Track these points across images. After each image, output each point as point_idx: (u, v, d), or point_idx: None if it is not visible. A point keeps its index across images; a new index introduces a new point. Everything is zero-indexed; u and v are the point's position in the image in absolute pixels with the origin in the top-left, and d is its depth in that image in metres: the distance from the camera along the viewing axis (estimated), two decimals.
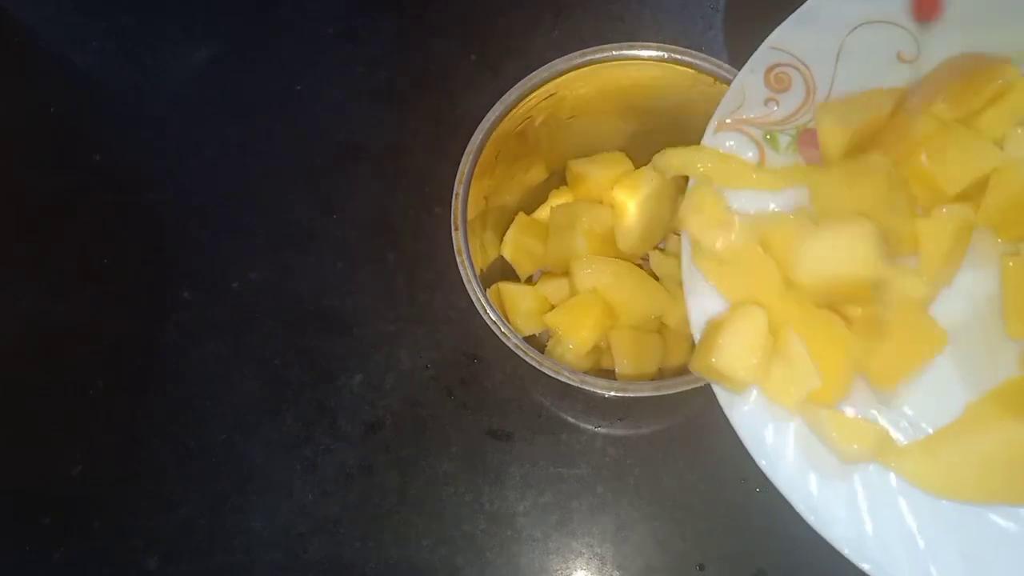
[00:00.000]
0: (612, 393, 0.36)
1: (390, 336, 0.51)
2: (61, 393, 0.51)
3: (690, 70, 0.40)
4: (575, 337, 0.43)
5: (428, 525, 0.47)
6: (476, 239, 0.42)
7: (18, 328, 0.54)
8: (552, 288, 0.46)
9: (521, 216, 0.48)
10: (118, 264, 0.55)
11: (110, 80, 0.60)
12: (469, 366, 0.50)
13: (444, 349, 0.50)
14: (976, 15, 0.32)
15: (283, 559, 0.47)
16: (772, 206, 0.34)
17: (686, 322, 0.34)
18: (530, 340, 0.41)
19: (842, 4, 0.34)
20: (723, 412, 0.33)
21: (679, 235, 0.40)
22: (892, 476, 0.31)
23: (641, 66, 0.41)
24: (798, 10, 0.34)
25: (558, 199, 0.49)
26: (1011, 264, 0.31)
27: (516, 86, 0.40)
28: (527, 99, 0.41)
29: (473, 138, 0.40)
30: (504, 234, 0.48)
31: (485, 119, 0.40)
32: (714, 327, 0.33)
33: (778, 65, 0.35)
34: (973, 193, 0.31)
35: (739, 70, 0.37)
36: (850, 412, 0.32)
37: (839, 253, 0.32)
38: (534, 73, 0.40)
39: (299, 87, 0.58)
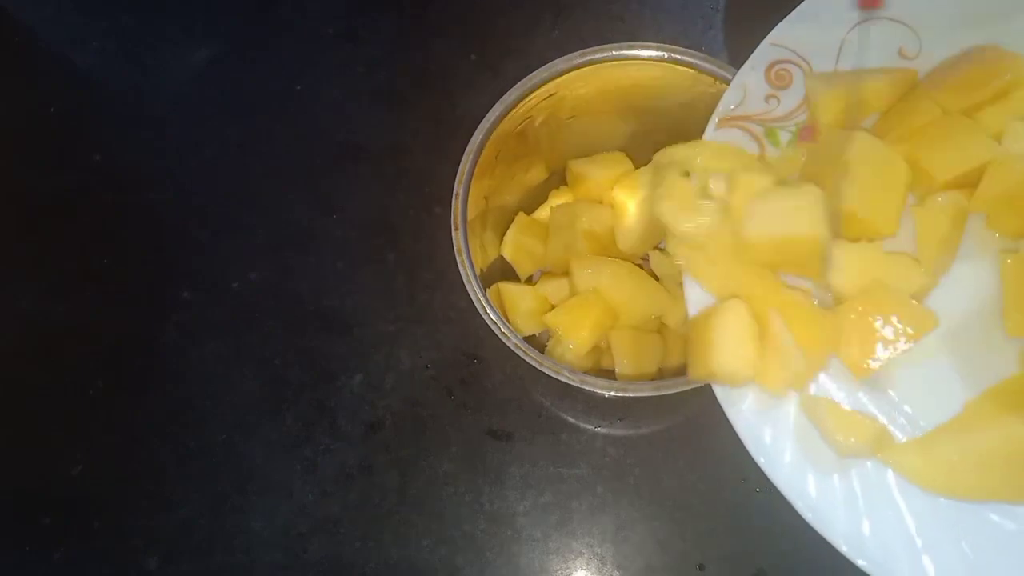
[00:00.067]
0: (612, 393, 0.36)
1: (390, 336, 0.51)
2: (61, 393, 0.51)
3: (690, 70, 0.40)
4: (575, 337, 0.43)
5: (428, 525, 0.47)
6: (476, 239, 0.42)
7: (18, 328, 0.54)
8: (552, 288, 0.46)
9: (521, 216, 0.48)
10: (118, 264, 0.55)
11: (110, 80, 0.60)
12: (469, 366, 0.50)
13: (444, 349, 0.50)
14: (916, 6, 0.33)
15: (283, 559, 0.47)
16: None
17: (686, 322, 0.34)
18: (530, 340, 0.41)
19: (843, 1, 0.34)
20: (723, 411, 0.33)
21: None
22: (890, 474, 0.31)
23: (641, 66, 0.41)
24: (799, 7, 0.34)
25: (558, 199, 0.49)
26: (1009, 262, 0.31)
27: (516, 86, 0.40)
28: (527, 99, 0.41)
29: (473, 138, 0.40)
30: (504, 234, 0.48)
31: (485, 119, 0.40)
32: (700, 329, 0.33)
33: (779, 62, 0.35)
34: (965, 183, 0.32)
35: (739, 69, 0.37)
36: (839, 396, 0.32)
37: (787, 215, 0.31)
38: (534, 73, 0.40)
39: (299, 87, 0.58)
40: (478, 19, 0.59)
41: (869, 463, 0.31)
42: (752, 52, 0.35)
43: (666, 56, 0.40)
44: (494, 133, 0.41)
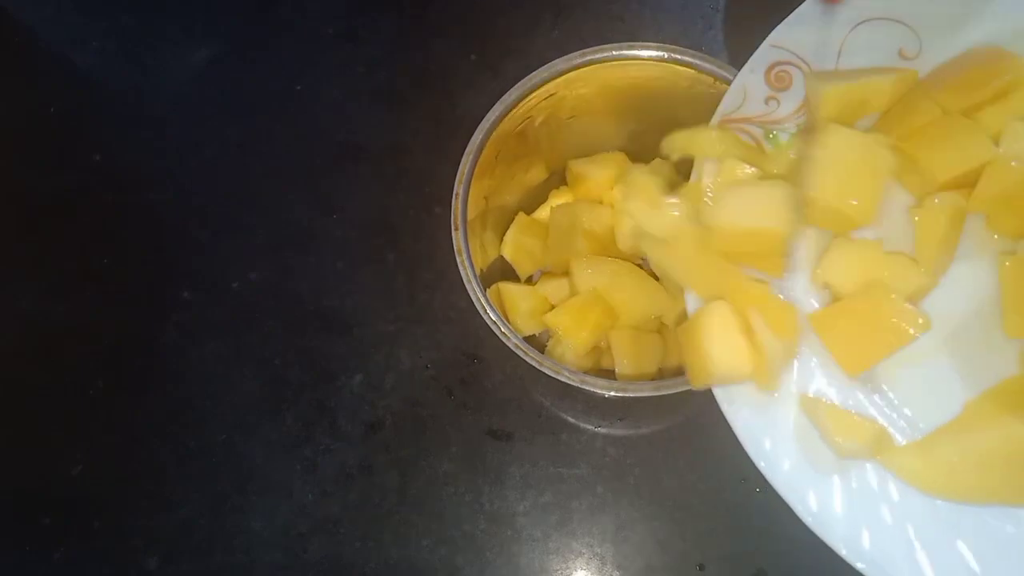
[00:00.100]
0: (612, 393, 0.36)
1: (390, 336, 0.51)
2: (61, 393, 0.51)
3: (690, 70, 0.40)
4: (575, 337, 0.43)
5: (428, 525, 0.47)
6: (476, 239, 0.42)
7: (18, 328, 0.54)
8: (552, 288, 0.46)
9: (521, 216, 0.48)
10: (118, 264, 0.55)
11: (110, 80, 0.60)
12: (469, 366, 0.50)
13: (444, 349, 0.50)
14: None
15: (283, 559, 0.47)
16: None
17: (680, 323, 0.34)
18: (530, 340, 0.41)
19: (843, 2, 0.34)
20: (722, 413, 0.33)
21: None
22: (890, 477, 0.31)
23: (641, 66, 0.41)
24: (798, 8, 0.34)
25: (558, 199, 0.49)
26: (1008, 264, 0.31)
27: (516, 86, 0.40)
28: (527, 99, 0.41)
29: (473, 138, 0.40)
30: (504, 234, 0.48)
31: (485, 119, 0.40)
32: (691, 335, 0.33)
33: (779, 64, 0.35)
34: (964, 184, 0.32)
35: (739, 69, 0.37)
36: (839, 398, 0.32)
37: (753, 206, 0.33)
38: (534, 73, 0.40)
39: (299, 87, 0.58)
40: (478, 19, 0.59)
41: (869, 465, 0.31)
42: (752, 54, 0.35)
43: (666, 56, 0.40)
44: (494, 133, 0.41)
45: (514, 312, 0.45)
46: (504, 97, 0.40)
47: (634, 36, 0.57)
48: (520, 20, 0.58)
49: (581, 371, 0.37)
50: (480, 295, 0.38)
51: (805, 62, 0.35)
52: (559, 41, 0.58)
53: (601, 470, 0.47)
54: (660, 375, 0.44)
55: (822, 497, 0.31)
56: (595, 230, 0.45)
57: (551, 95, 0.42)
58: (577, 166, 0.47)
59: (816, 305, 0.33)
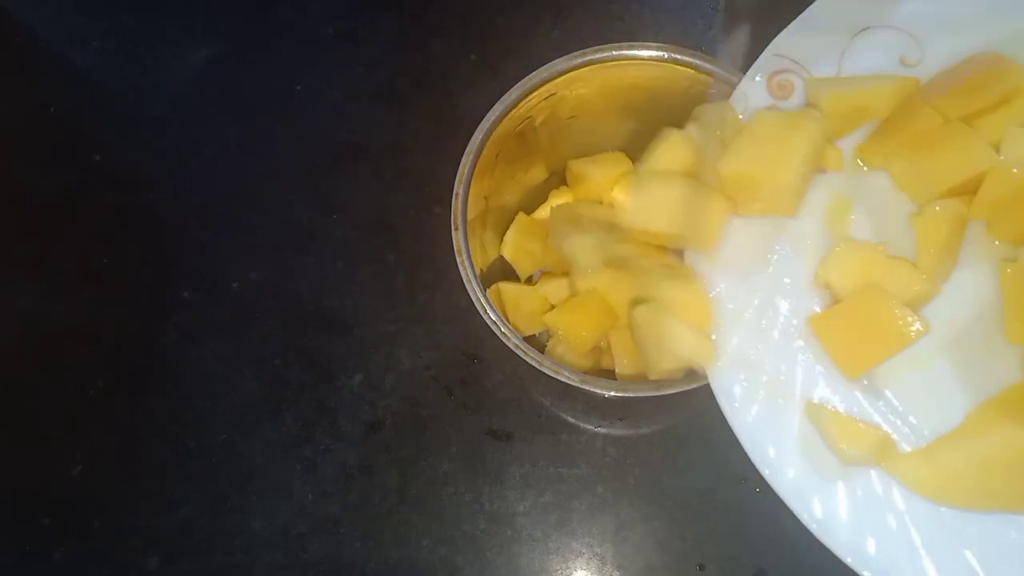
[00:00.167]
0: (612, 393, 0.36)
1: (390, 336, 0.51)
2: (61, 393, 0.51)
3: (690, 70, 0.40)
4: (575, 337, 0.43)
5: (428, 525, 0.47)
6: (476, 239, 0.42)
7: (18, 328, 0.54)
8: (552, 288, 0.46)
9: (521, 216, 0.48)
10: (118, 264, 0.55)
11: (110, 80, 0.60)
12: (469, 366, 0.50)
13: (444, 349, 0.50)
14: None
15: (283, 559, 0.47)
16: None
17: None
18: (530, 340, 0.41)
19: (844, 9, 0.34)
20: (723, 413, 0.33)
21: None
22: (894, 484, 0.31)
23: (641, 66, 0.41)
24: (800, 16, 0.34)
25: (558, 199, 0.49)
26: (1009, 270, 0.31)
27: (516, 86, 0.40)
28: (527, 99, 0.41)
29: (473, 138, 0.40)
30: (504, 234, 0.48)
31: (485, 119, 0.40)
32: (653, 337, 0.35)
33: (781, 71, 0.35)
34: (965, 191, 0.32)
35: (740, 70, 0.37)
36: (843, 404, 0.32)
37: (652, 206, 0.36)
38: (534, 73, 0.40)
39: (299, 87, 0.58)
40: (478, 19, 0.59)
41: (873, 472, 0.31)
42: (752, 57, 0.35)
43: (666, 56, 0.40)
44: (494, 133, 0.41)
45: (514, 312, 0.45)
46: (504, 97, 0.40)
47: (634, 36, 0.57)
48: (520, 20, 0.58)
49: (581, 371, 0.37)
50: (480, 295, 0.38)
51: (807, 70, 0.35)
52: (559, 41, 0.58)
53: (601, 470, 0.47)
54: (660, 375, 0.44)
55: (827, 504, 0.31)
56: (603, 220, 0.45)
57: (551, 95, 0.42)
58: (577, 166, 0.47)
59: (817, 309, 0.33)
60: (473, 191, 0.40)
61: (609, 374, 0.43)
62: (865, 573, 0.30)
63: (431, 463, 0.48)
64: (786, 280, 0.34)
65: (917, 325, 0.30)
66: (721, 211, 0.35)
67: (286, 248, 0.54)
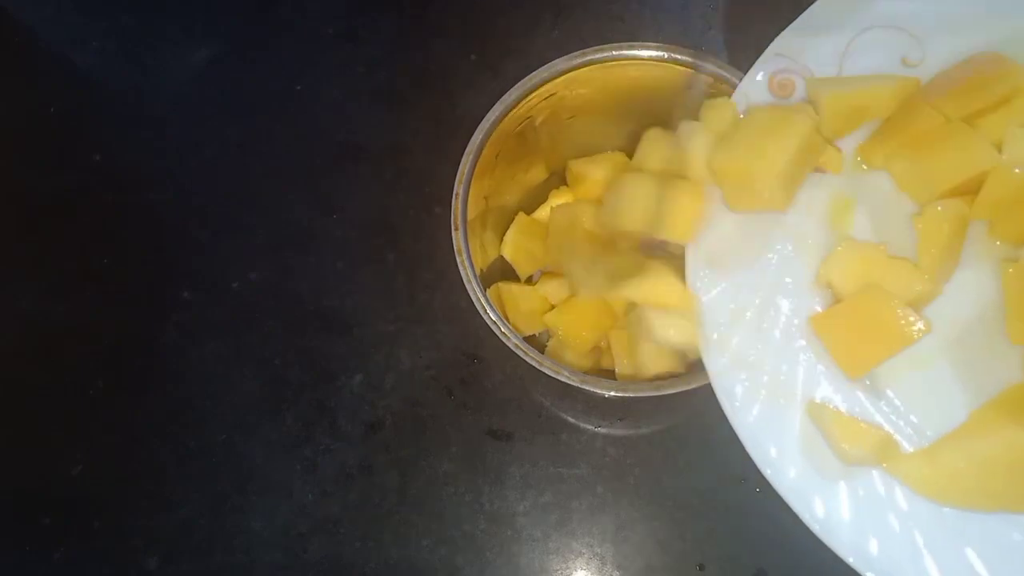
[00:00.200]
0: (612, 393, 0.36)
1: (390, 336, 0.51)
2: (61, 393, 0.51)
3: (690, 70, 0.40)
4: (575, 337, 0.43)
5: (428, 525, 0.47)
6: (476, 239, 0.42)
7: (18, 328, 0.54)
8: (552, 288, 0.46)
9: (521, 216, 0.48)
10: (118, 264, 0.55)
11: (110, 80, 0.60)
12: (469, 366, 0.50)
13: (444, 349, 0.50)
14: None
15: (283, 559, 0.47)
16: None
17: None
18: (530, 340, 0.41)
19: (845, 9, 0.34)
20: (724, 414, 0.33)
21: None
22: (896, 484, 0.31)
23: (641, 66, 0.41)
24: (801, 15, 0.34)
25: (558, 199, 0.49)
26: (1011, 271, 0.31)
27: (516, 86, 0.40)
28: (527, 99, 0.41)
29: (473, 138, 0.40)
30: (504, 234, 0.48)
31: (485, 119, 0.40)
32: (644, 334, 0.36)
33: (782, 71, 0.35)
34: (967, 191, 0.32)
35: (740, 70, 0.37)
36: (844, 404, 0.32)
37: (621, 206, 0.38)
38: (534, 73, 0.40)
39: (299, 87, 0.58)
40: (478, 19, 0.59)
41: (875, 472, 0.31)
42: (752, 56, 0.35)
43: (666, 56, 0.40)
44: (494, 133, 0.40)
45: (514, 312, 0.45)
46: (504, 97, 0.40)
47: (634, 36, 0.57)
48: (520, 20, 0.58)
49: (581, 371, 0.37)
50: (480, 295, 0.38)
51: (808, 69, 0.35)
52: (559, 41, 0.58)
53: (601, 470, 0.47)
54: (660, 375, 0.44)
55: (829, 504, 0.31)
56: (595, 230, 0.45)
57: (551, 95, 0.42)
58: (577, 166, 0.47)
59: (819, 308, 0.33)
60: (473, 191, 0.40)
61: (609, 374, 0.43)
62: (867, 574, 0.30)
63: (431, 463, 0.48)
64: (787, 280, 0.34)
65: (919, 325, 0.30)
66: (689, 203, 0.36)
67: (286, 248, 0.54)
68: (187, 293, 0.53)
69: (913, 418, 0.32)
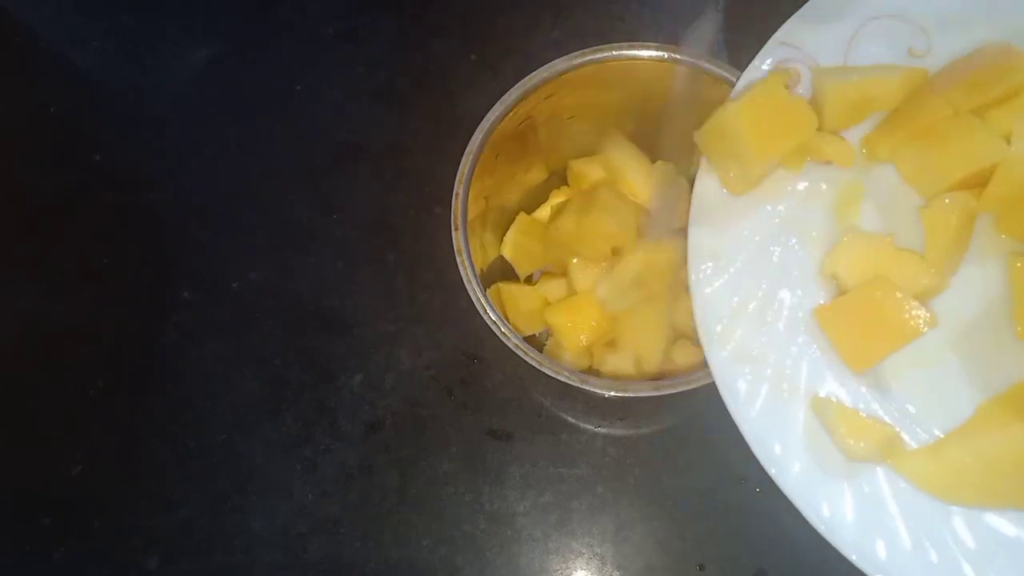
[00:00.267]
0: (612, 393, 0.36)
1: (390, 336, 0.51)
2: (61, 393, 0.51)
3: (690, 70, 0.40)
4: (571, 338, 0.43)
5: (428, 525, 0.47)
6: (476, 239, 0.42)
7: (18, 328, 0.54)
8: (552, 288, 0.46)
9: (521, 216, 0.48)
10: (118, 264, 0.55)
11: (110, 80, 0.60)
12: (469, 366, 0.50)
13: (444, 349, 0.50)
14: None
15: (283, 559, 0.47)
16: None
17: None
18: (530, 340, 0.41)
19: None
20: (724, 413, 0.33)
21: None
22: (901, 482, 0.31)
23: (641, 66, 0.41)
24: (807, 4, 0.34)
25: (558, 199, 0.49)
26: (1019, 265, 0.30)
27: (516, 86, 0.40)
28: (527, 99, 0.41)
29: (473, 138, 0.40)
30: (504, 234, 0.48)
31: (485, 119, 0.40)
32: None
33: (787, 60, 0.35)
34: (975, 184, 0.31)
35: (740, 70, 0.37)
36: (849, 399, 0.32)
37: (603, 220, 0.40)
38: (534, 73, 0.40)
39: (299, 87, 0.58)
40: (478, 19, 0.59)
41: (879, 469, 0.31)
42: (754, 52, 0.35)
43: (666, 56, 0.40)
44: (494, 133, 0.40)
45: (514, 312, 0.45)
46: (504, 97, 0.40)
47: (634, 36, 0.57)
48: (520, 20, 0.58)
49: (581, 371, 0.37)
50: (480, 295, 0.38)
51: (814, 59, 0.34)
52: (559, 41, 0.57)
53: (601, 470, 0.47)
54: (660, 375, 0.44)
55: (833, 503, 0.31)
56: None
57: (551, 95, 0.42)
58: (577, 166, 0.47)
59: (823, 301, 0.33)
60: (473, 191, 0.40)
61: (609, 374, 0.43)
62: (871, 572, 0.30)
63: (431, 463, 0.48)
64: (792, 272, 0.33)
65: (925, 318, 0.30)
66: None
67: (286, 248, 0.54)
68: (187, 293, 0.53)
69: (918, 414, 0.32)
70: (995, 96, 0.31)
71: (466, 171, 0.40)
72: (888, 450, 0.31)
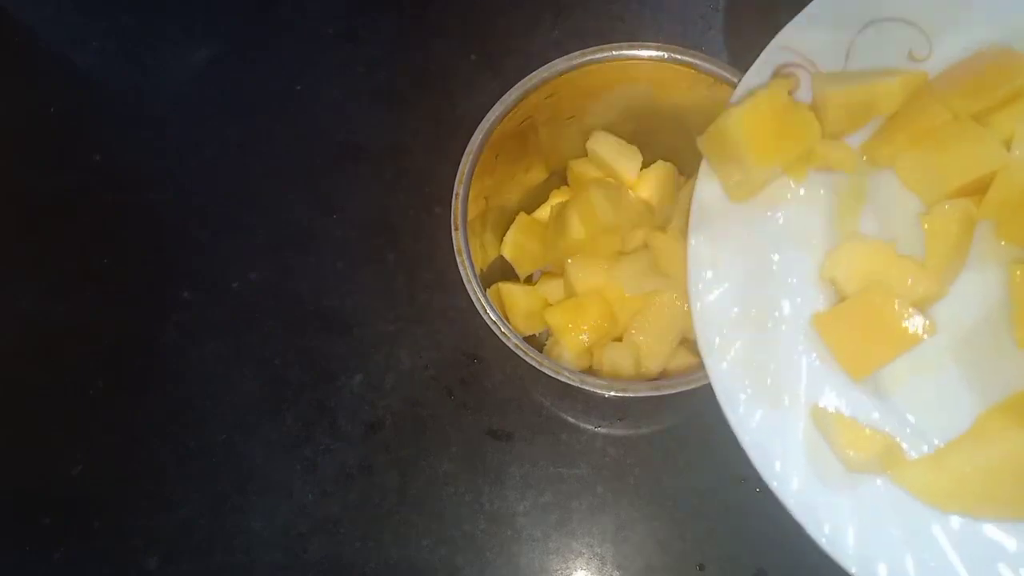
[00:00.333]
0: (612, 393, 0.36)
1: (390, 336, 0.51)
2: (61, 393, 0.51)
3: (690, 70, 0.40)
4: (572, 336, 0.43)
5: (428, 525, 0.47)
6: (476, 239, 0.42)
7: (18, 328, 0.54)
8: (552, 288, 0.46)
9: (521, 216, 0.48)
10: (118, 264, 0.55)
11: (110, 80, 0.60)
12: (469, 366, 0.50)
13: (444, 349, 0.50)
14: None
15: (283, 559, 0.47)
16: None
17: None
18: (530, 340, 0.41)
19: (851, 2, 0.33)
20: (723, 413, 0.33)
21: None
22: (901, 492, 0.30)
23: (641, 66, 0.41)
24: (806, 8, 0.34)
25: (558, 199, 0.49)
26: (1019, 273, 0.30)
27: (516, 86, 0.40)
28: (527, 99, 0.41)
29: (473, 138, 0.40)
30: (504, 234, 0.48)
31: (485, 119, 0.40)
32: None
33: (787, 65, 0.34)
34: (975, 190, 0.31)
35: (740, 70, 0.37)
36: (848, 409, 0.32)
37: (605, 205, 0.40)
38: (534, 73, 0.40)
39: (299, 87, 0.58)
40: (478, 19, 0.59)
41: (879, 480, 0.31)
42: (753, 54, 0.35)
43: (666, 56, 0.40)
44: (494, 133, 0.40)
45: (514, 312, 0.45)
46: (504, 97, 0.40)
47: (634, 36, 0.57)
48: (520, 20, 0.58)
49: (581, 371, 0.37)
50: (480, 295, 0.38)
51: (813, 64, 0.34)
52: (559, 41, 0.57)
53: (601, 470, 0.47)
54: (660, 375, 0.44)
55: (834, 515, 0.30)
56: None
57: (551, 95, 0.42)
58: (577, 166, 0.47)
59: (822, 307, 0.33)
60: (473, 191, 0.40)
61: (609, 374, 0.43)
62: None
63: (431, 463, 0.48)
64: (791, 280, 0.33)
65: (924, 325, 0.30)
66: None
67: (286, 248, 0.54)
68: (187, 293, 0.53)
69: (918, 423, 0.31)
70: (996, 101, 0.31)
71: (466, 171, 0.40)
72: (888, 460, 0.31)
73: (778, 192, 0.34)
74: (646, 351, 0.42)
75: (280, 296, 0.53)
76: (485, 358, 0.50)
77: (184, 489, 0.49)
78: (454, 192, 0.39)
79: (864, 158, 0.34)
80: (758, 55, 0.35)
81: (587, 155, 0.47)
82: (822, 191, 0.34)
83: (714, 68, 0.39)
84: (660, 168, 0.46)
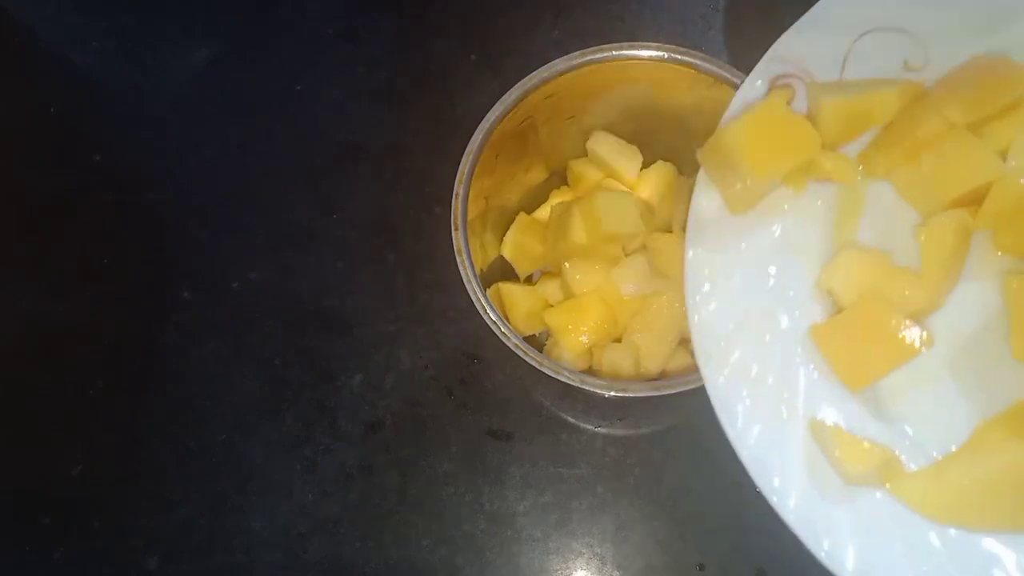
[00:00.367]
0: (612, 393, 0.36)
1: (390, 336, 0.51)
2: (61, 393, 0.51)
3: (690, 70, 0.40)
4: (571, 339, 0.43)
5: (428, 525, 0.47)
6: (476, 239, 0.42)
7: (18, 328, 0.54)
8: (552, 288, 0.46)
9: (521, 216, 0.48)
10: (118, 264, 0.55)
11: (110, 80, 0.60)
12: (469, 366, 0.50)
13: (444, 349, 0.50)
14: None
15: (283, 559, 0.47)
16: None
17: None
18: (530, 340, 0.41)
19: (846, 11, 0.33)
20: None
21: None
22: (900, 505, 0.30)
23: (641, 66, 0.41)
24: (801, 18, 0.33)
25: (558, 199, 0.49)
26: (1015, 284, 0.30)
27: (516, 86, 0.40)
28: (527, 99, 0.41)
29: (473, 138, 0.40)
30: (504, 234, 0.48)
31: (485, 119, 0.40)
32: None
33: (782, 76, 0.34)
34: (971, 201, 0.31)
35: (740, 70, 0.37)
36: (846, 423, 0.32)
37: (610, 214, 0.40)
38: (534, 73, 0.40)
39: (299, 87, 0.58)
40: (478, 19, 0.59)
41: (878, 493, 0.31)
42: (753, 58, 0.35)
43: (666, 56, 0.40)
44: (494, 133, 0.40)
45: (514, 312, 0.45)
46: (504, 97, 0.40)
47: (634, 36, 0.57)
48: (520, 20, 0.58)
49: (581, 371, 0.37)
50: (480, 295, 0.38)
51: (809, 73, 0.34)
52: (559, 41, 0.57)
53: (601, 470, 0.47)
54: (660, 375, 0.44)
55: (833, 529, 0.30)
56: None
57: (551, 95, 0.42)
58: (577, 166, 0.47)
59: (820, 319, 0.33)
60: (473, 191, 0.40)
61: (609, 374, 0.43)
62: None
63: (431, 463, 0.48)
64: (789, 292, 0.33)
65: (921, 337, 0.30)
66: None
67: (286, 248, 0.54)
68: (187, 293, 0.53)
69: (917, 435, 0.31)
70: (992, 111, 0.31)
71: (466, 171, 0.40)
72: (886, 473, 0.30)
73: (775, 204, 0.34)
74: (645, 351, 0.42)
75: (280, 296, 0.53)
76: (485, 358, 0.50)
77: (184, 489, 0.49)
78: (454, 192, 0.39)
79: (861, 168, 0.34)
80: (758, 55, 0.35)
81: (587, 155, 0.47)
82: (819, 202, 0.34)
83: (714, 68, 0.39)
84: (660, 168, 0.46)
